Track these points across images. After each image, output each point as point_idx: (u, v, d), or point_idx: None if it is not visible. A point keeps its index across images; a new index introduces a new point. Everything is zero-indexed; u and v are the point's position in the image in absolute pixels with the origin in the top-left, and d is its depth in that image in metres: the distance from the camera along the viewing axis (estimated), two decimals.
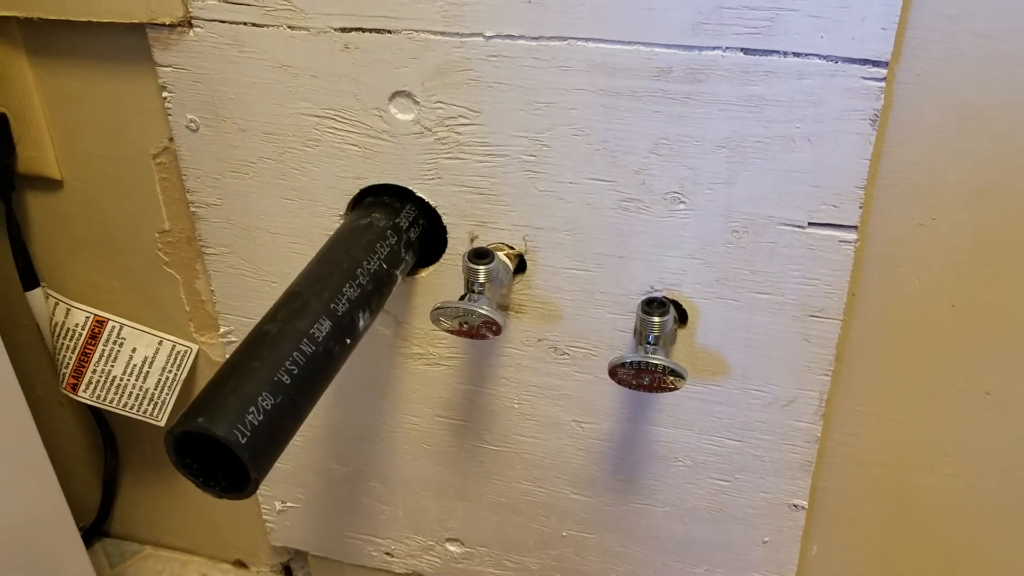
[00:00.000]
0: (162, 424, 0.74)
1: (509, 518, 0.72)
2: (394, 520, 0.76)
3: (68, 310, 0.72)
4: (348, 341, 0.51)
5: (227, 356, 0.72)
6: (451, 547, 0.76)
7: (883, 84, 0.46)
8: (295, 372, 0.46)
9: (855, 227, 0.51)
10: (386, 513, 0.76)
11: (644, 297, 0.56)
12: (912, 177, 0.50)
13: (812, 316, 0.54)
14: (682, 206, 0.53)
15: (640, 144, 0.52)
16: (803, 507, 0.63)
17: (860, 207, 0.50)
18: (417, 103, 0.55)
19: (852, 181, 0.49)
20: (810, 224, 0.51)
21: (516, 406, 0.66)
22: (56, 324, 0.72)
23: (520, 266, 0.59)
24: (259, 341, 0.47)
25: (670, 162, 0.52)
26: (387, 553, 0.79)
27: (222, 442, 0.41)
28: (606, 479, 0.66)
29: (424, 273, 0.62)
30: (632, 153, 0.52)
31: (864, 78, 0.46)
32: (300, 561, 0.87)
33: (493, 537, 0.74)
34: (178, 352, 0.73)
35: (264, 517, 0.81)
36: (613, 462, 0.65)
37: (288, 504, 0.79)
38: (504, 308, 0.61)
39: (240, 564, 0.90)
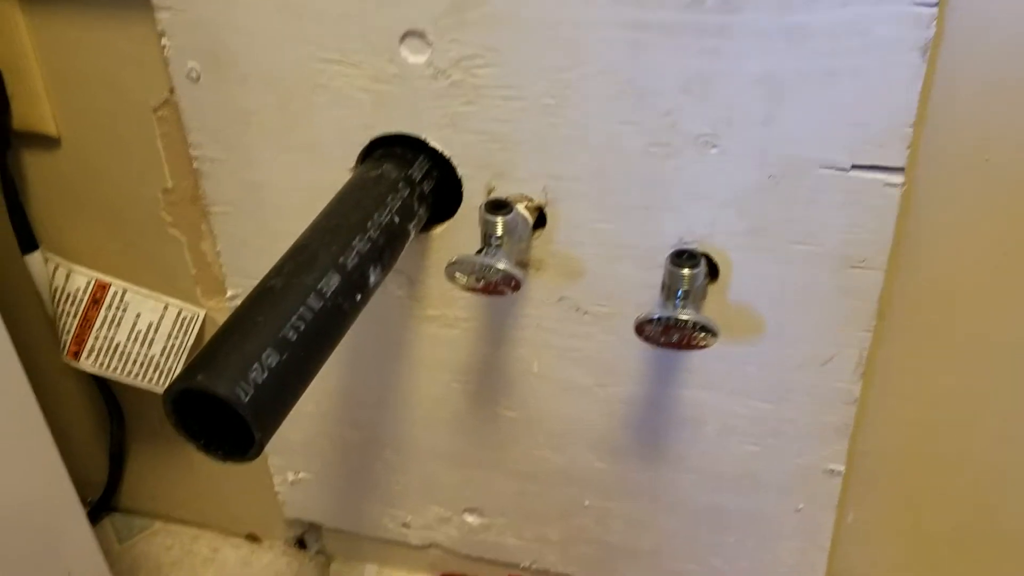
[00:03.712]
0: None
1: (528, 487, 0.69)
2: (410, 490, 0.74)
3: (68, 274, 0.69)
4: (358, 297, 0.48)
5: None
6: (469, 518, 0.73)
7: (935, 11, 0.43)
8: (302, 328, 0.43)
9: (902, 169, 0.47)
10: (401, 483, 0.73)
11: (673, 250, 0.53)
12: (965, 114, 0.46)
13: (853, 267, 0.51)
14: (714, 150, 0.49)
15: (670, 83, 0.48)
16: (839, 472, 0.60)
17: (908, 147, 0.46)
18: (430, 44, 0.51)
19: (900, 119, 0.46)
20: (853, 167, 0.48)
21: (535, 369, 0.62)
22: (56, 289, 0.69)
23: (540, 219, 0.56)
24: (263, 296, 0.44)
25: (702, 102, 0.48)
26: (403, 524, 0.76)
27: (223, 400, 0.38)
28: (630, 445, 0.63)
29: (438, 229, 0.58)
30: (661, 93, 0.49)
31: (915, 4, 0.43)
32: (314, 534, 0.85)
33: (512, 507, 0.71)
34: (184, 317, 0.70)
35: (276, 489, 0.78)
36: (638, 427, 0.62)
37: (301, 475, 0.76)
38: (523, 265, 0.57)
39: (253, 538, 0.87)
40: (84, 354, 0.69)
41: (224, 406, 0.39)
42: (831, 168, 0.48)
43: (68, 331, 0.69)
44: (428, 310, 0.62)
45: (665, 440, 0.62)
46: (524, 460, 0.68)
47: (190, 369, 0.39)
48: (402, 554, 0.80)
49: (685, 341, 0.50)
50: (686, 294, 0.50)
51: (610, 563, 0.71)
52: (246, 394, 0.38)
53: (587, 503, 0.68)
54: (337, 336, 0.46)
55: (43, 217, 0.70)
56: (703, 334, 0.50)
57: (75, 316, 0.69)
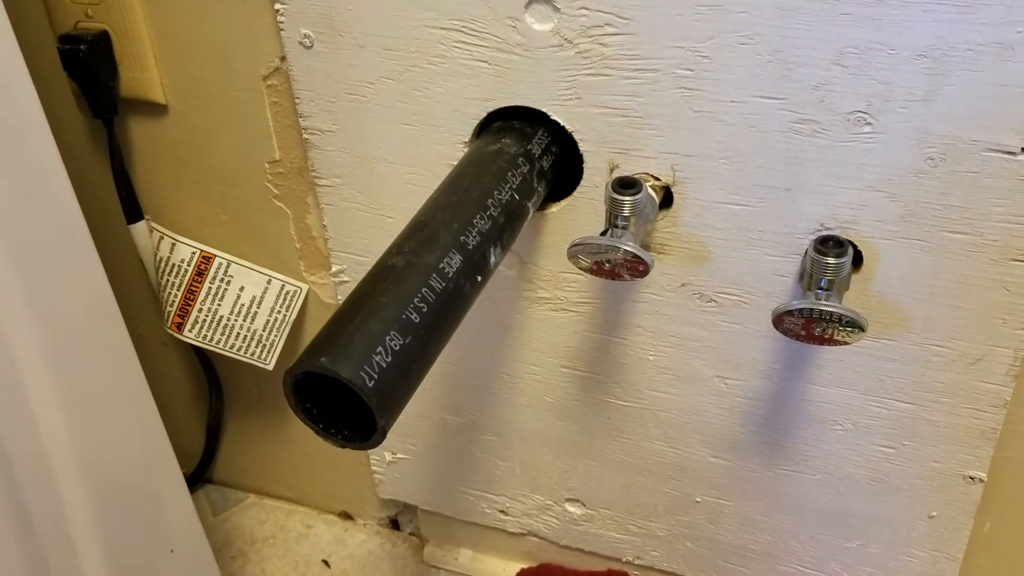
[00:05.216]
0: (270, 367, 0.70)
1: (636, 480, 0.66)
2: (510, 476, 0.71)
3: (173, 245, 0.68)
4: (479, 279, 0.45)
5: (339, 297, 0.67)
6: (571, 508, 0.71)
7: None
8: (424, 310, 0.40)
9: None
10: (502, 469, 0.71)
11: (814, 236, 0.49)
12: None
13: (1015, 260, 0.47)
14: (867, 128, 0.45)
15: (821, 54, 0.44)
16: (981, 479, 0.55)
17: None
18: (557, 10, 0.48)
19: None
20: (1023, 150, 0.44)
21: (651, 358, 0.59)
22: (161, 260, 0.69)
23: (665, 200, 0.53)
24: (385, 275, 0.41)
25: (857, 75, 0.44)
26: (501, 511, 0.74)
27: (347, 385, 0.36)
28: (751, 442, 0.60)
29: (554, 208, 0.56)
30: (811, 65, 0.45)
31: None
32: (408, 515, 0.83)
33: (617, 499, 0.68)
34: (287, 292, 0.69)
35: (373, 468, 0.77)
36: (760, 423, 0.59)
37: (398, 455, 0.74)
38: (645, 248, 0.54)
39: (346, 516, 0.86)
40: (187, 326, 0.69)
41: (346, 390, 0.37)
42: (998, 151, 0.44)
43: (172, 302, 0.69)
44: (539, 292, 0.60)
45: (789, 438, 0.58)
46: (633, 451, 0.65)
47: (313, 350, 0.37)
48: (498, 541, 0.78)
49: (828, 336, 0.46)
50: (830, 284, 0.46)
51: (718, 562, 0.68)
52: (371, 379, 0.36)
53: (699, 499, 0.65)
54: (458, 319, 0.44)
55: (149, 186, 0.69)
56: (848, 329, 0.46)
57: (179, 287, 0.68)
